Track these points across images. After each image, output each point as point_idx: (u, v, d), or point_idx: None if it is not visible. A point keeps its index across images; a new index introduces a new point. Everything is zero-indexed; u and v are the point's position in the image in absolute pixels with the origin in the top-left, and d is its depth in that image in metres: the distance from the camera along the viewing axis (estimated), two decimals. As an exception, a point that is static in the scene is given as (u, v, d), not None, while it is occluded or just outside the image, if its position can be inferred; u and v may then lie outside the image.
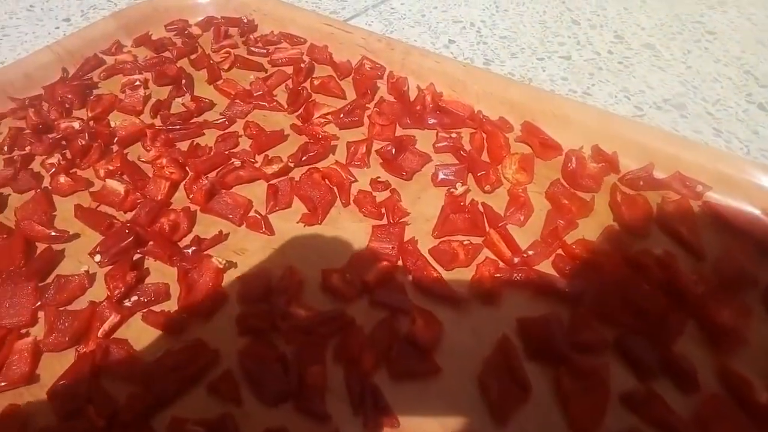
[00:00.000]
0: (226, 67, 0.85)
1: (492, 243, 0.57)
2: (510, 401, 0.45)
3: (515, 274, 0.54)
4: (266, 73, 0.84)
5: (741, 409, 0.44)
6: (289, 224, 0.61)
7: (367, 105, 0.76)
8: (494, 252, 0.57)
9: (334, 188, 0.64)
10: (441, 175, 0.65)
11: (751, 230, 0.57)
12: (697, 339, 0.49)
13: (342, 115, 0.74)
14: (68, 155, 0.69)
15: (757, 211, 0.59)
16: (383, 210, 0.62)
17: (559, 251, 0.57)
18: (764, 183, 0.59)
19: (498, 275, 0.54)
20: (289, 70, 0.83)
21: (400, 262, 0.56)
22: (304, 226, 0.61)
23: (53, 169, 0.67)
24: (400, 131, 0.73)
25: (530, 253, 0.56)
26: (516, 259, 0.55)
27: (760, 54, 0.93)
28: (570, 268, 0.54)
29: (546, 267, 0.56)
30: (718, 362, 0.47)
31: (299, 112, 0.76)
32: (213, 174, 0.66)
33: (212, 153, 0.70)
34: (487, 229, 0.59)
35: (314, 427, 0.44)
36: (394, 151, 0.67)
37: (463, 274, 0.55)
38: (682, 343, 0.49)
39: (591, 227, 0.59)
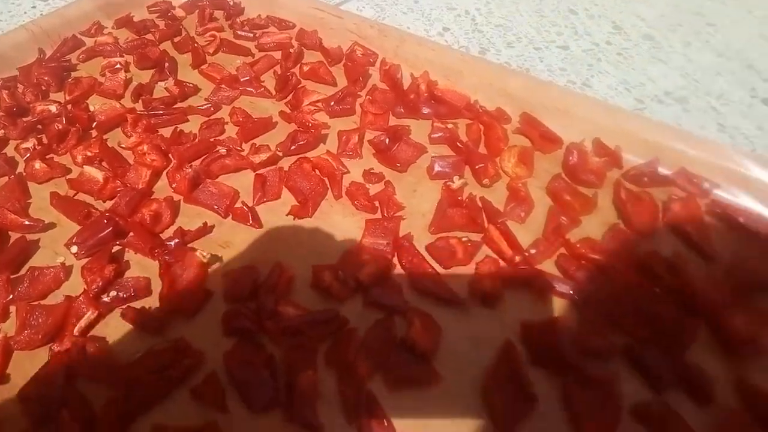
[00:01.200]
0: (211, 50, 0.81)
1: (492, 240, 0.54)
2: (515, 412, 0.43)
3: (517, 274, 0.51)
4: (253, 57, 0.81)
5: (760, 425, 0.42)
6: (277, 217, 0.58)
7: (358, 93, 0.73)
8: (494, 250, 0.54)
9: (325, 179, 0.61)
10: (437, 167, 0.62)
11: (763, 230, 0.55)
12: (712, 348, 0.47)
13: (333, 103, 0.70)
14: (44, 140, 0.65)
15: (766, 211, 0.57)
16: (377, 203, 0.59)
17: (563, 250, 0.54)
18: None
19: (499, 275, 0.51)
20: (277, 55, 0.80)
21: (395, 260, 0.54)
22: (294, 219, 0.58)
23: (28, 155, 0.63)
24: (393, 121, 0.70)
25: (532, 251, 0.53)
26: (517, 258, 0.52)
27: (762, 48, 0.91)
28: (575, 269, 0.52)
29: (549, 267, 0.53)
30: (735, 374, 0.45)
31: (288, 98, 0.73)
32: (197, 162, 0.63)
33: (197, 140, 0.66)
34: (486, 225, 0.56)
35: (305, 437, 0.42)
36: (387, 141, 0.64)
37: (462, 273, 0.52)
38: (697, 352, 0.46)
39: (594, 225, 0.57)
